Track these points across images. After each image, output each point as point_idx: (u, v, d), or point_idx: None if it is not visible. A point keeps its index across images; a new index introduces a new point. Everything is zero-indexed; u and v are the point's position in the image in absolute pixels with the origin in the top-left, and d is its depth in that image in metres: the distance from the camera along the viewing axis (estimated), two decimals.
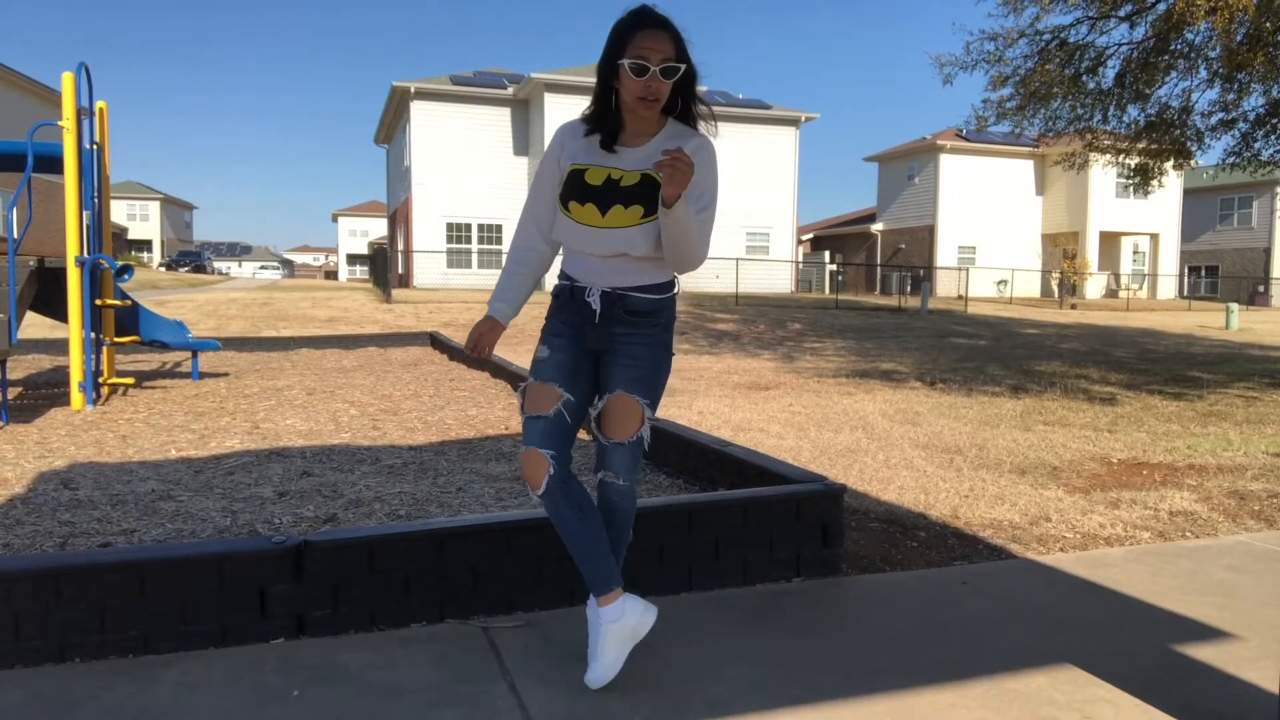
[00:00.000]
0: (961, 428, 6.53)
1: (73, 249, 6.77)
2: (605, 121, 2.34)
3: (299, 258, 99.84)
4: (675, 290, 2.45)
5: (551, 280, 2.54)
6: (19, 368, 9.44)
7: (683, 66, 2.24)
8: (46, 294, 7.50)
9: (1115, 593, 3.16)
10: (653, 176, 2.27)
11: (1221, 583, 3.28)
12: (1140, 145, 11.88)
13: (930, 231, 38.08)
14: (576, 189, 2.33)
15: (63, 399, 7.28)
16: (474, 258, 30.24)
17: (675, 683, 2.42)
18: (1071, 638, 2.75)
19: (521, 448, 2.38)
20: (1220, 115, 11.07)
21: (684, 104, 2.36)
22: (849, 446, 5.75)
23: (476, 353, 2.42)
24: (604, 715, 2.25)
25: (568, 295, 2.41)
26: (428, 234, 29.67)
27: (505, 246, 29.89)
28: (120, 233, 55.53)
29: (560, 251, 2.51)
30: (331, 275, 75.83)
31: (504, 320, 2.45)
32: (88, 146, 7.27)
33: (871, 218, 42.74)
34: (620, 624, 2.35)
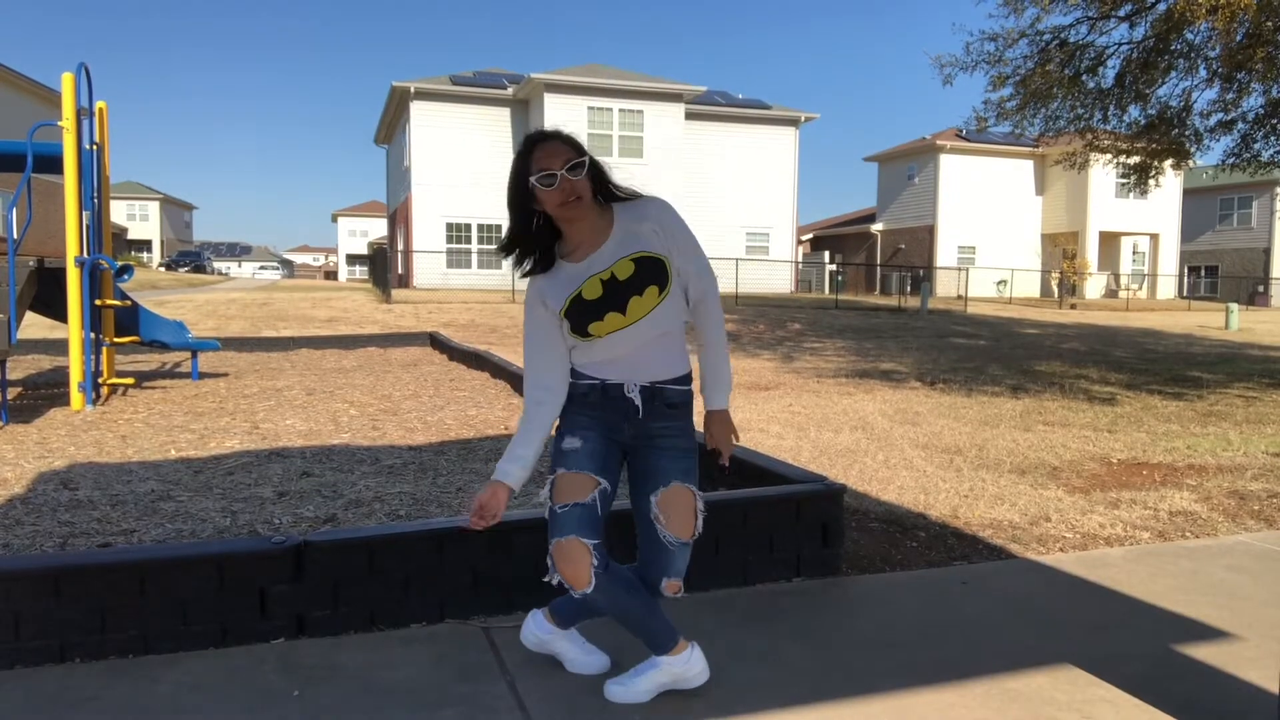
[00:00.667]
0: (961, 428, 6.53)
1: (72, 249, 6.77)
2: (541, 241, 2.29)
3: (299, 258, 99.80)
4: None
5: None
6: (19, 368, 9.43)
7: (586, 160, 2.23)
8: (46, 294, 7.50)
9: (1115, 593, 3.16)
10: (646, 256, 2.27)
11: (1221, 583, 3.28)
12: (1140, 145, 11.88)
13: (930, 231, 38.07)
14: (586, 311, 2.26)
15: (62, 399, 7.28)
16: (474, 258, 30.23)
17: None
18: (1071, 638, 2.75)
19: (551, 541, 2.25)
20: (1219, 115, 11.08)
21: (607, 191, 2.31)
22: (849, 446, 5.75)
23: (484, 523, 2.27)
24: (604, 715, 2.25)
25: (599, 394, 2.31)
26: (427, 234, 29.65)
27: None
28: (120, 233, 55.52)
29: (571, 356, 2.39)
30: (331, 275, 75.84)
31: (515, 485, 2.30)
32: (87, 147, 7.27)
33: (871, 218, 42.73)
34: (683, 668, 2.33)
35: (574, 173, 2.21)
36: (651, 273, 2.27)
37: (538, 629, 2.53)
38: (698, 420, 2.42)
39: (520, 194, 2.26)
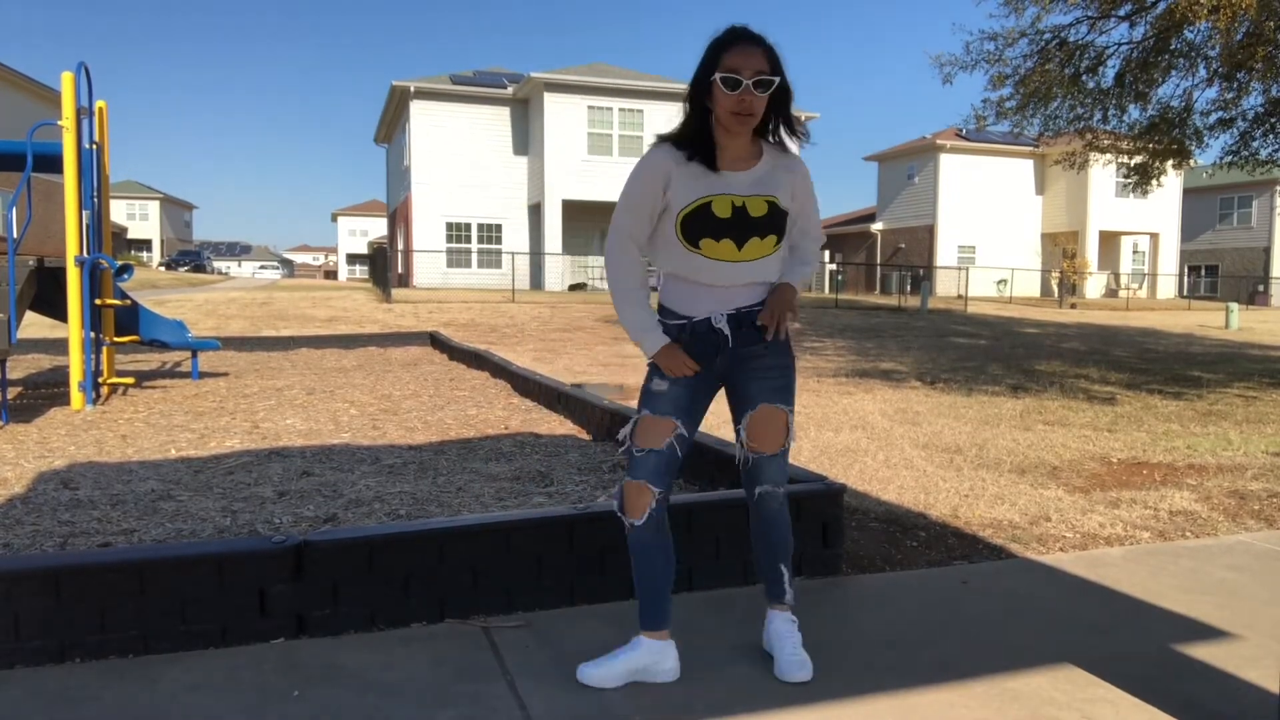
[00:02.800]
0: (961, 427, 6.53)
1: (72, 249, 6.77)
2: (701, 141, 2.29)
3: (299, 257, 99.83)
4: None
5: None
6: (19, 368, 9.43)
7: (776, 80, 2.23)
8: (46, 294, 7.50)
9: (1115, 592, 3.16)
10: (776, 203, 2.31)
11: (1221, 582, 3.28)
12: (1140, 145, 11.88)
13: (930, 231, 38.07)
14: (709, 224, 2.26)
15: (63, 399, 7.28)
16: (474, 257, 30.23)
17: (675, 682, 2.42)
18: (1071, 638, 2.75)
19: (625, 478, 2.36)
20: (1219, 114, 11.08)
21: (780, 122, 2.36)
22: (849, 446, 5.75)
23: (686, 367, 2.31)
24: (604, 715, 2.25)
25: (688, 334, 2.34)
26: (427, 233, 29.65)
27: (505, 246, 29.84)
28: (120, 232, 55.51)
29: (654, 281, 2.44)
30: (331, 275, 75.86)
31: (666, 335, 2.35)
32: (87, 146, 7.27)
33: (871, 217, 42.73)
34: (658, 655, 2.39)
35: (760, 88, 2.21)
36: (776, 223, 2.32)
37: (767, 619, 2.55)
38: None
39: (699, 85, 2.26)
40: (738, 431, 2.44)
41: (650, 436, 2.33)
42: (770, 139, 2.39)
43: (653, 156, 2.33)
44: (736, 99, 2.20)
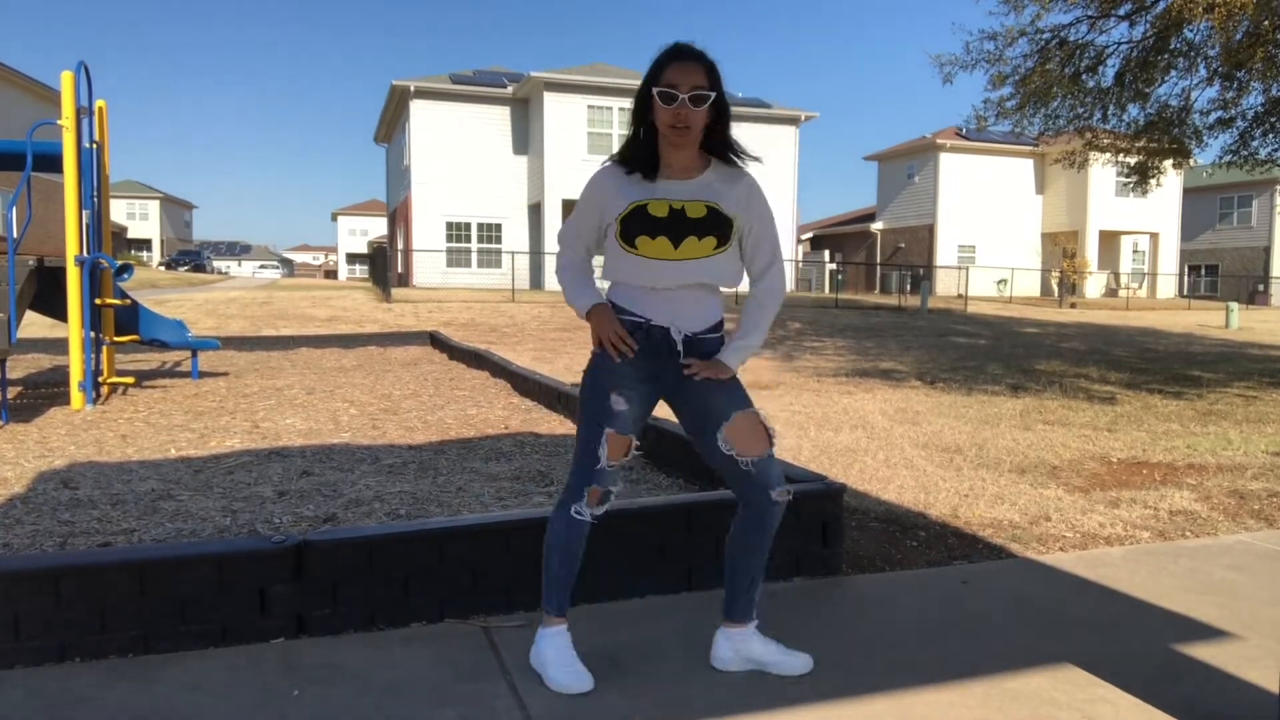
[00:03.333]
0: (961, 427, 6.53)
1: (72, 248, 6.76)
2: (643, 153, 2.37)
3: (299, 257, 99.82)
4: None
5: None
6: (19, 367, 9.43)
7: (712, 95, 2.29)
8: (46, 293, 7.50)
9: (1115, 592, 3.16)
10: (717, 209, 2.35)
11: (1222, 582, 3.28)
12: (1140, 144, 11.88)
13: (930, 230, 38.06)
14: (644, 223, 2.33)
15: (62, 398, 7.27)
16: (474, 257, 30.22)
17: (675, 682, 2.42)
18: (1071, 638, 2.75)
19: (592, 484, 2.38)
20: (1218, 114, 11.08)
21: (717, 143, 2.40)
22: (849, 446, 5.75)
23: (621, 342, 2.35)
24: (604, 714, 2.25)
25: (643, 335, 2.38)
26: (427, 233, 29.64)
27: (505, 245, 29.83)
28: (120, 232, 55.48)
29: (610, 286, 2.48)
30: (331, 274, 75.83)
31: (604, 299, 2.44)
32: (87, 145, 7.27)
33: (871, 217, 42.73)
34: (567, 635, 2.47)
35: (695, 103, 2.28)
36: (717, 225, 2.36)
37: (733, 642, 2.51)
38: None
39: (642, 99, 2.34)
40: (715, 445, 2.39)
41: (617, 451, 2.37)
42: (728, 156, 2.43)
43: (597, 176, 2.44)
44: (672, 112, 2.27)
